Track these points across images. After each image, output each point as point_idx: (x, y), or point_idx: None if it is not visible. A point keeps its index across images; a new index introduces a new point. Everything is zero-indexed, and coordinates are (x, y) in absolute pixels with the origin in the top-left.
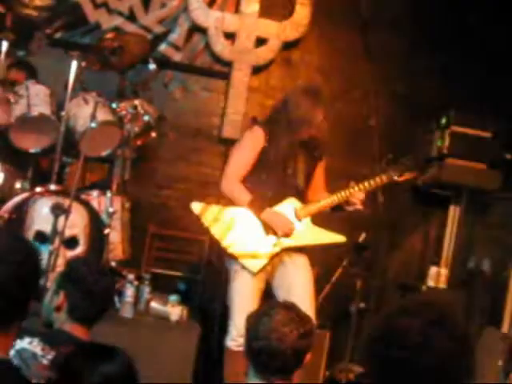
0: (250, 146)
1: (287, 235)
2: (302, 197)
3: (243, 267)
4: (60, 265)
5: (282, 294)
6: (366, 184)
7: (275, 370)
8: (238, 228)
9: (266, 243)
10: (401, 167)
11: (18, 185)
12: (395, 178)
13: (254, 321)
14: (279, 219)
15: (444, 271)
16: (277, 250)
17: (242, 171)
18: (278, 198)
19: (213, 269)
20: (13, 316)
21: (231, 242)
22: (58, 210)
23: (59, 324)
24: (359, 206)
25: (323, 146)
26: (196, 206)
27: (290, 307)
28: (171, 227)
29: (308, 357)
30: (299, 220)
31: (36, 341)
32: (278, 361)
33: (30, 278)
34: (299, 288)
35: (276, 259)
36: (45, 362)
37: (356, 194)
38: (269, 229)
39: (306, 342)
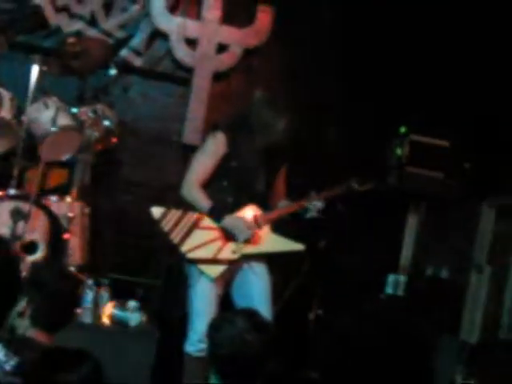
0: (211, 152)
1: (247, 241)
2: (263, 203)
3: (202, 273)
4: (20, 270)
5: (240, 302)
6: (326, 193)
7: (238, 377)
8: (197, 233)
9: (226, 250)
10: (361, 177)
11: None
12: (356, 187)
13: (216, 327)
14: (240, 225)
15: (403, 279)
16: (236, 256)
17: (203, 176)
18: (239, 205)
19: (172, 275)
20: None
21: (191, 248)
22: (17, 215)
23: (22, 330)
24: (315, 214)
25: (284, 154)
26: (156, 211)
27: (252, 314)
28: (130, 233)
29: (270, 364)
30: (259, 227)
31: None
32: (241, 367)
33: (11, 288)
34: (257, 296)
35: (235, 266)
36: (7, 368)
37: (315, 203)
38: (229, 235)
39: (268, 349)
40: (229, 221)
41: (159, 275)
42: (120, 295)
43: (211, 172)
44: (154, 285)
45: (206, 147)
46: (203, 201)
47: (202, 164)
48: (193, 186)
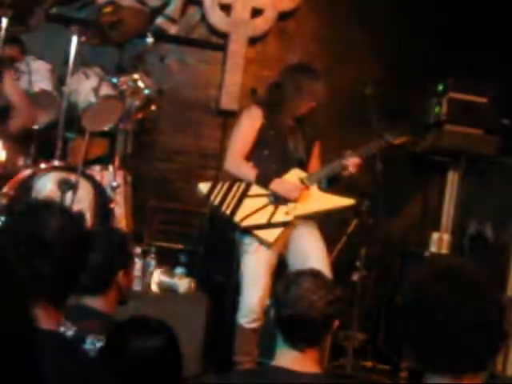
0: (248, 125)
1: (298, 200)
2: (305, 169)
3: (258, 240)
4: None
5: (298, 265)
6: (362, 150)
7: (304, 338)
8: (248, 202)
9: (279, 213)
10: (396, 131)
11: (21, 162)
12: (391, 141)
13: (281, 289)
14: (288, 186)
15: (446, 237)
16: (290, 218)
17: (245, 149)
18: (283, 171)
19: (214, 241)
20: (68, 291)
21: (244, 216)
22: (65, 186)
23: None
24: (353, 170)
25: (317, 125)
26: (203, 187)
27: (317, 275)
28: (171, 200)
29: (336, 323)
30: (307, 188)
31: None
32: (308, 328)
33: (85, 253)
34: (315, 257)
35: (290, 228)
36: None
37: (352, 159)
38: (279, 199)
39: (334, 309)
40: (276, 184)
41: (201, 242)
42: (165, 262)
43: (251, 144)
44: (195, 252)
45: (243, 121)
46: (249, 171)
47: (241, 138)
48: (236, 159)
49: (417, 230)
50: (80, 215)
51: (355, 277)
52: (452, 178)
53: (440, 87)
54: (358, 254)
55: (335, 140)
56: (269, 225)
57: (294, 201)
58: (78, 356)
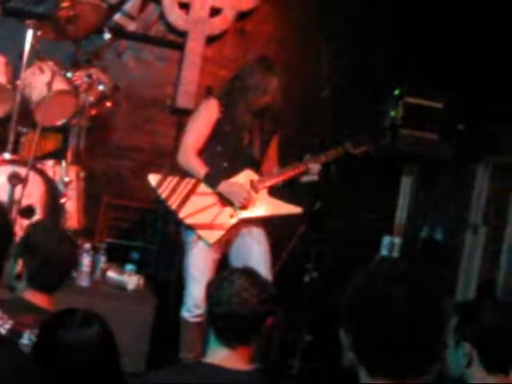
0: (204, 118)
1: (244, 205)
2: (258, 168)
3: (200, 238)
4: (17, 234)
5: (239, 265)
6: (323, 157)
7: (237, 335)
8: (195, 199)
9: (223, 215)
10: (356, 140)
11: None
12: (351, 150)
13: (214, 286)
14: (236, 190)
15: (398, 240)
16: (234, 221)
17: (198, 143)
18: (235, 170)
19: (166, 239)
20: None
21: (188, 213)
22: (15, 180)
23: (20, 292)
24: (315, 177)
25: (278, 118)
26: (153, 178)
27: (251, 273)
28: (125, 197)
29: (268, 322)
30: (256, 192)
31: None
32: (240, 326)
33: (3, 246)
34: (256, 259)
35: (233, 231)
36: (2, 331)
37: (313, 166)
38: (226, 200)
39: (266, 307)
40: (225, 186)
41: (154, 240)
42: (116, 259)
43: (206, 138)
44: (148, 249)
45: (199, 113)
46: (199, 167)
47: (196, 130)
48: (188, 153)
49: (370, 232)
50: (4, 208)
51: (306, 278)
52: (406, 182)
53: (396, 91)
54: (310, 255)
55: (290, 144)
56: (212, 226)
57: (241, 206)
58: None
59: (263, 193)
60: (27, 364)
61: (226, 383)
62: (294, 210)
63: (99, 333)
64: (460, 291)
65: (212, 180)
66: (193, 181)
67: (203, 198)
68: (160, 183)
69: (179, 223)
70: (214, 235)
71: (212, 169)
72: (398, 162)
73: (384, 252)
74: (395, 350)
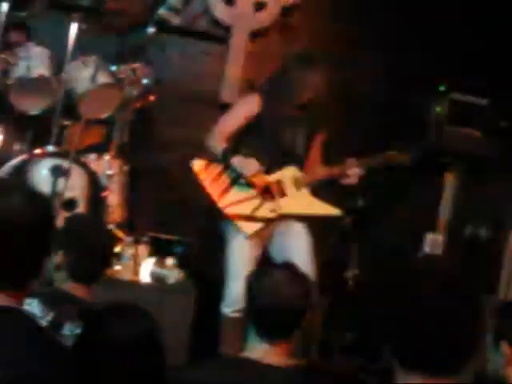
0: (243, 110)
1: (254, 176)
2: (301, 166)
3: (238, 229)
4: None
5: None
6: (365, 162)
7: (276, 331)
8: (236, 190)
9: (264, 208)
10: (399, 150)
11: (16, 147)
12: (393, 159)
13: (254, 281)
14: (247, 161)
15: (440, 238)
16: (273, 215)
17: (229, 130)
18: (276, 164)
19: (210, 233)
20: (28, 275)
21: (228, 203)
22: (57, 172)
23: (59, 283)
24: (353, 181)
25: (322, 115)
26: (197, 163)
27: (291, 267)
28: (168, 191)
29: (307, 317)
30: (298, 189)
31: (35, 302)
32: (279, 321)
33: (45, 237)
34: (298, 255)
35: (273, 226)
36: (44, 323)
37: (354, 170)
38: (267, 194)
39: (305, 302)
40: (238, 159)
41: (198, 234)
42: (158, 253)
43: (239, 128)
44: (192, 243)
45: (239, 105)
46: (219, 145)
47: (230, 118)
48: (216, 135)
49: (413, 230)
50: (46, 199)
51: (348, 275)
52: (450, 179)
53: (441, 88)
54: (351, 252)
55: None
56: (251, 218)
57: (246, 176)
58: (38, 333)
59: (305, 190)
60: (66, 357)
61: (265, 379)
62: (333, 211)
63: (146, 329)
64: (502, 290)
65: (227, 153)
66: (236, 171)
67: (245, 189)
68: (203, 169)
69: (219, 213)
70: (252, 227)
71: (229, 147)
72: (443, 159)
73: (427, 249)
74: (430, 347)
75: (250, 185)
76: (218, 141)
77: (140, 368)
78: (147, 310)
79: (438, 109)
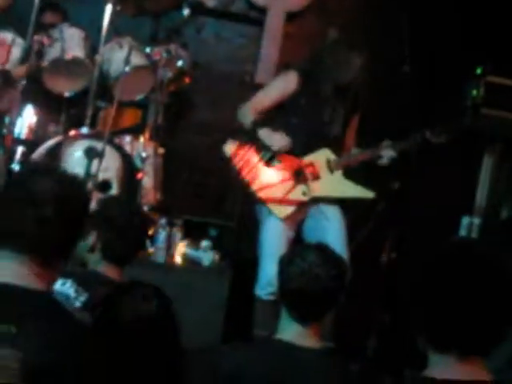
0: (279, 86)
1: (282, 149)
2: (337, 147)
3: (271, 212)
4: (93, 208)
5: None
6: (400, 144)
7: (308, 312)
8: (269, 172)
9: (296, 191)
10: (436, 128)
11: (51, 128)
12: (430, 139)
13: (286, 262)
14: (275, 135)
15: (477, 221)
16: (306, 198)
17: (262, 105)
18: (312, 146)
19: (245, 216)
20: (59, 254)
21: (261, 186)
22: (91, 153)
23: (92, 265)
24: (387, 162)
25: (361, 97)
26: (229, 147)
27: (323, 249)
28: (203, 173)
29: (340, 299)
30: (331, 172)
31: (69, 282)
32: (311, 302)
33: (78, 218)
34: (331, 236)
35: (306, 209)
36: (78, 304)
37: (389, 152)
38: (299, 177)
39: (338, 284)
40: (265, 131)
41: (232, 217)
42: (193, 236)
43: (273, 104)
44: (227, 226)
45: (275, 81)
46: (249, 117)
47: (265, 94)
48: (248, 107)
49: (449, 213)
50: (80, 181)
51: (383, 258)
52: (487, 162)
53: (478, 70)
54: (387, 235)
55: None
56: (283, 201)
57: (274, 150)
58: (65, 317)
59: (338, 173)
60: (93, 342)
61: (297, 360)
62: (366, 194)
63: (159, 307)
64: None
65: (255, 125)
66: (269, 153)
67: (278, 171)
68: (236, 152)
69: (253, 196)
70: (284, 210)
71: (259, 120)
72: (480, 142)
73: (463, 232)
74: (465, 327)
75: (282, 165)
76: (249, 112)
77: (153, 347)
78: (161, 288)
79: (474, 91)
